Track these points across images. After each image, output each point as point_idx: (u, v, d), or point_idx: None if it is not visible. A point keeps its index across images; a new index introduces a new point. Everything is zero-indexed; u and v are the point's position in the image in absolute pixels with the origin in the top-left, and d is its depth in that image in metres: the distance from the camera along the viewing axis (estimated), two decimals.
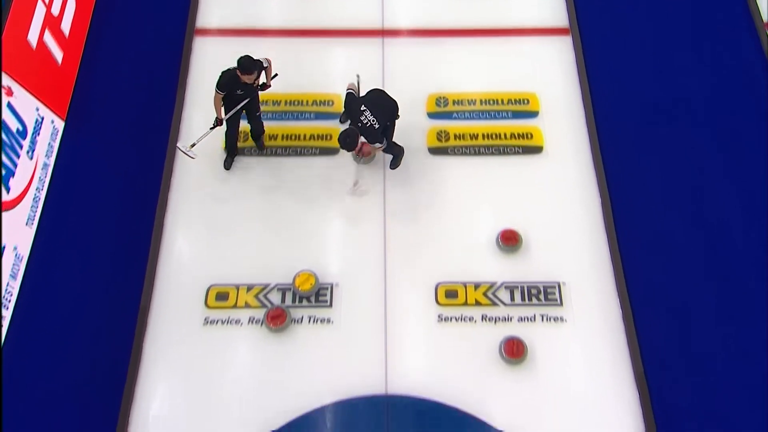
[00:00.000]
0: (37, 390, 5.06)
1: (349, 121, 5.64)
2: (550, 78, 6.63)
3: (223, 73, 5.45)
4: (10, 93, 5.26)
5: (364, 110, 5.49)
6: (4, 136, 5.05)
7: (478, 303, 5.48)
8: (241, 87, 5.47)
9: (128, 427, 4.97)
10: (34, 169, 5.42)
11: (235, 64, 5.38)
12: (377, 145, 5.69)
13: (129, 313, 5.39)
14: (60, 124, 5.94)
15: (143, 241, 5.70)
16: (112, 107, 6.39)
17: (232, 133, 5.87)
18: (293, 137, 6.31)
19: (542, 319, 5.40)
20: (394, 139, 5.90)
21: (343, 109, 5.85)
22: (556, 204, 5.95)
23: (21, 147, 5.28)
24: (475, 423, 4.98)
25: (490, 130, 6.34)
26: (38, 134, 5.52)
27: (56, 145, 5.85)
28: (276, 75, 5.85)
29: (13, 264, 5.02)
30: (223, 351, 5.32)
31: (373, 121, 5.47)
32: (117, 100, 6.42)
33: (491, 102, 6.49)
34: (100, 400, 5.06)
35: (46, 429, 4.96)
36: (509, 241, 5.66)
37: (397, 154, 5.99)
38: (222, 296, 5.52)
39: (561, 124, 6.36)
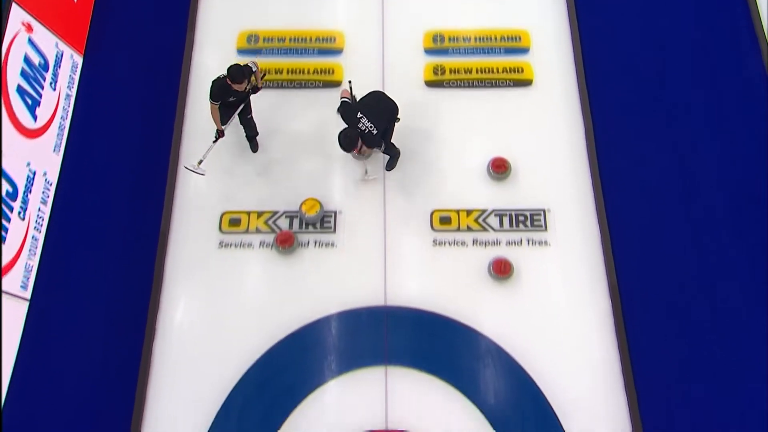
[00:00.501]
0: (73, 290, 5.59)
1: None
2: (541, 15, 6.90)
3: (213, 82, 5.50)
4: (30, 29, 5.56)
5: (360, 117, 5.50)
6: (27, 68, 5.37)
7: (469, 228, 5.97)
8: (233, 94, 5.56)
9: (155, 336, 5.55)
10: (57, 100, 5.77)
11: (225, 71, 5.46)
12: (375, 149, 5.75)
13: (150, 238, 5.88)
14: (78, 59, 6.26)
15: (161, 169, 6.13)
16: (127, 42, 6.68)
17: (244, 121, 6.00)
18: (298, 71, 6.63)
19: (528, 243, 5.90)
20: (393, 141, 5.94)
21: (340, 116, 5.75)
22: (544, 134, 6.35)
23: (44, 79, 5.62)
24: (466, 331, 5.54)
25: (484, 65, 6.67)
26: (59, 67, 5.84)
27: (76, 77, 6.17)
28: (265, 74, 5.92)
29: (44, 189, 5.46)
30: (238, 271, 5.84)
31: (371, 127, 5.48)
32: (131, 35, 6.70)
33: (485, 39, 6.79)
34: (129, 310, 5.61)
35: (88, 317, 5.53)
36: (499, 168, 6.09)
37: (394, 155, 5.99)
38: (235, 221, 6.01)
39: (550, 59, 6.68)
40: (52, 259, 5.49)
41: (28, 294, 5.16)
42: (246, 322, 5.62)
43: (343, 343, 5.57)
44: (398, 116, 5.77)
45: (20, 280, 5.07)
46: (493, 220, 5.99)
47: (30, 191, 5.28)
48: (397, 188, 6.06)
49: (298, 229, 5.98)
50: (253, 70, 5.63)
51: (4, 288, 4.88)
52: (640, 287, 5.69)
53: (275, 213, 6.04)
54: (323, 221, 6.01)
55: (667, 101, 6.40)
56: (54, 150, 5.67)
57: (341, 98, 5.68)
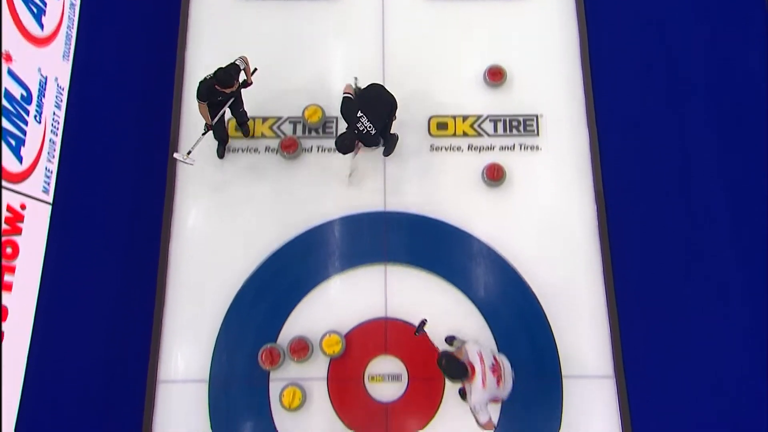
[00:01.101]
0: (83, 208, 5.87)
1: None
2: None
3: (200, 83, 5.38)
4: None
5: (360, 116, 5.34)
6: None
7: (465, 134, 6.21)
8: (221, 94, 5.43)
9: (170, 237, 5.91)
10: (62, 8, 5.82)
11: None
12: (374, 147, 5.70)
13: (162, 141, 6.11)
14: None
15: (169, 74, 6.31)
16: None
17: (219, 127, 5.86)
18: None
19: (520, 148, 6.15)
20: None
21: (340, 113, 5.54)
22: (539, 43, 6.46)
23: None
24: (459, 233, 5.90)
25: None
26: None
27: None
28: (255, 70, 5.68)
29: (57, 94, 5.64)
30: (244, 175, 6.10)
31: (370, 127, 5.34)
32: None
33: None
34: (146, 212, 5.94)
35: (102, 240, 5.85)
36: (495, 77, 6.24)
37: (391, 143, 6.02)
38: None
39: None
40: (71, 162, 5.72)
41: (50, 198, 5.45)
42: (254, 225, 5.94)
43: (346, 243, 5.91)
44: (395, 114, 5.63)
45: (41, 185, 5.35)
46: (488, 126, 6.21)
47: (44, 95, 5.46)
48: (396, 95, 6.12)
49: (301, 134, 6.20)
50: (242, 67, 5.43)
51: (26, 191, 5.16)
52: (624, 193, 5.98)
53: (279, 119, 6.24)
54: (325, 127, 6.22)
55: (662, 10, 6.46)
56: (63, 57, 5.79)
57: (344, 93, 5.48)
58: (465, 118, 6.24)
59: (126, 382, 5.52)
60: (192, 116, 6.11)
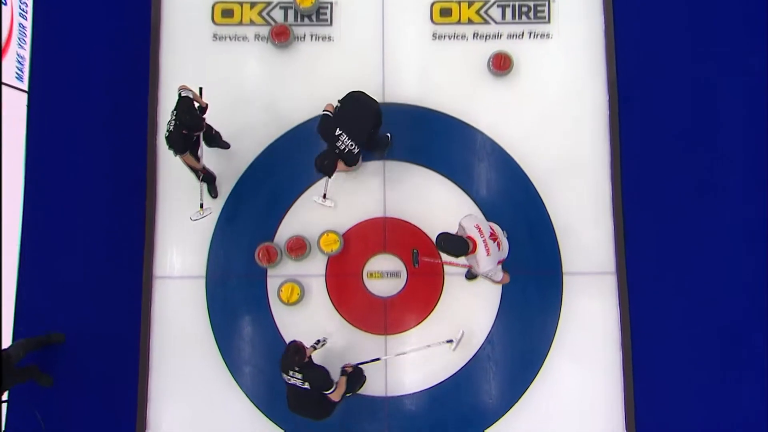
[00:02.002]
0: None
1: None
2: None
3: (168, 139, 4.81)
4: None
5: (339, 134, 4.87)
6: None
7: (470, 21, 5.77)
8: (192, 135, 4.94)
9: (157, 134, 5.63)
10: None
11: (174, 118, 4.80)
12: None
13: (143, 29, 5.69)
14: None
15: None
16: None
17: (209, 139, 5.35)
18: None
19: (530, 36, 5.75)
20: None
21: (317, 132, 5.04)
22: None
23: None
24: (462, 127, 5.64)
25: None
26: None
27: None
28: (201, 90, 5.13)
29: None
30: (233, 65, 5.74)
31: (352, 146, 4.88)
32: None
33: None
34: (128, 105, 5.63)
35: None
36: None
37: (382, 146, 5.57)
38: (227, 13, 5.78)
39: None
40: (43, 48, 5.35)
41: (25, 85, 5.12)
42: (245, 119, 5.66)
43: None
44: (381, 121, 5.09)
45: (14, 71, 5.00)
46: (496, 12, 5.76)
47: None
48: None
49: (293, 21, 5.77)
50: (191, 96, 4.88)
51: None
52: (639, 84, 5.64)
53: (269, 4, 5.78)
54: (319, 13, 5.79)
55: None
56: None
57: (323, 112, 4.98)
58: (471, 3, 5.78)
59: (122, 277, 5.49)
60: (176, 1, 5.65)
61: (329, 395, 4.63)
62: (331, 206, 5.48)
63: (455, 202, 5.56)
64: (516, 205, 5.58)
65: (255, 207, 5.59)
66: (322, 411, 4.76)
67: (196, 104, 4.92)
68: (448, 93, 5.69)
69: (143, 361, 5.40)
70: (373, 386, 5.37)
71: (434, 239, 4.47)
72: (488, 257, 4.45)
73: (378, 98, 5.59)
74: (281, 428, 5.37)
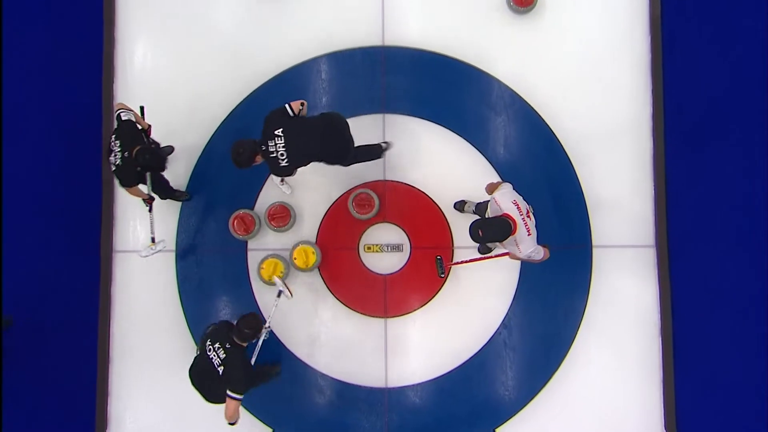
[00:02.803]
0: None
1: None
2: None
3: (118, 171, 4.14)
4: None
5: (278, 135, 4.01)
6: None
7: None
8: (139, 162, 4.16)
9: (114, 78, 4.91)
10: None
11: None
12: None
13: None
14: None
15: None
16: None
17: (160, 187, 4.59)
18: None
19: None
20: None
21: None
22: None
23: None
24: (475, 74, 4.88)
25: None
26: None
27: None
28: (143, 109, 4.46)
29: None
30: (210, 5, 4.98)
31: (282, 156, 4.04)
32: None
33: None
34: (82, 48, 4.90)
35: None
36: None
37: (371, 158, 4.73)
38: None
39: None
40: None
41: None
42: (222, 66, 4.97)
43: (334, 88, 4.95)
44: (349, 152, 4.29)
45: None
46: None
47: None
48: None
49: None
50: (132, 119, 4.20)
51: None
52: (686, 23, 4.78)
53: None
54: None
55: None
56: None
57: (287, 105, 4.10)
58: None
59: (77, 252, 4.83)
60: None
61: (229, 395, 3.89)
62: (288, 192, 4.80)
63: (467, 164, 4.87)
64: (539, 166, 4.89)
65: (230, 171, 4.67)
66: (218, 398, 4.00)
67: (137, 124, 4.27)
68: (459, 34, 4.97)
69: (102, 348, 4.82)
70: (371, 376, 4.79)
71: (468, 230, 3.79)
72: (530, 237, 3.82)
73: (376, 41, 4.88)
74: (263, 423, 4.75)
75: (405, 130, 4.89)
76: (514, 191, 3.90)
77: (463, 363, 4.79)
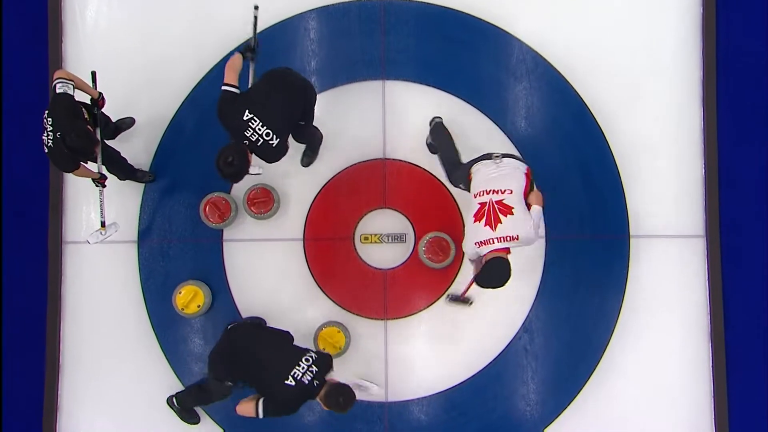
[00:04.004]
0: None
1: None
2: None
3: (51, 154, 3.55)
4: None
5: (249, 119, 3.46)
6: None
7: None
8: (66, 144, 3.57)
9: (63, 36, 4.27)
10: None
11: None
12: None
13: None
14: None
15: None
16: None
17: (115, 163, 4.04)
18: None
19: None
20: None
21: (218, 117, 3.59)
22: None
23: None
24: (491, 32, 4.31)
25: None
26: None
27: None
28: (94, 74, 3.84)
29: None
30: None
31: (268, 135, 3.49)
32: None
33: None
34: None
35: None
36: None
37: (314, 144, 4.22)
38: None
39: None
40: None
41: None
42: (191, 23, 4.36)
43: (325, 49, 4.36)
44: (314, 98, 3.80)
45: None
46: None
47: None
48: None
49: None
50: (69, 92, 3.57)
51: None
52: None
53: None
54: None
55: None
56: None
57: (225, 86, 3.51)
58: None
59: (21, 244, 4.22)
60: None
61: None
62: (260, 173, 4.10)
63: (481, 138, 4.26)
64: (567, 142, 4.31)
65: (201, 148, 4.25)
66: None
67: (88, 97, 3.75)
68: None
69: (51, 355, 4.20)
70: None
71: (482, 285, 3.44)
72: (513, 224, 3.38)
73: None
74: None
75: (409, 100, 4.33)
76: (472, 238, 3.44)
77: (477, 373, 4.22)
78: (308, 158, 4.29)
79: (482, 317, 4.19)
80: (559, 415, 4.19)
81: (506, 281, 3.37)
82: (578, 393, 4.19)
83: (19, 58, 4.32)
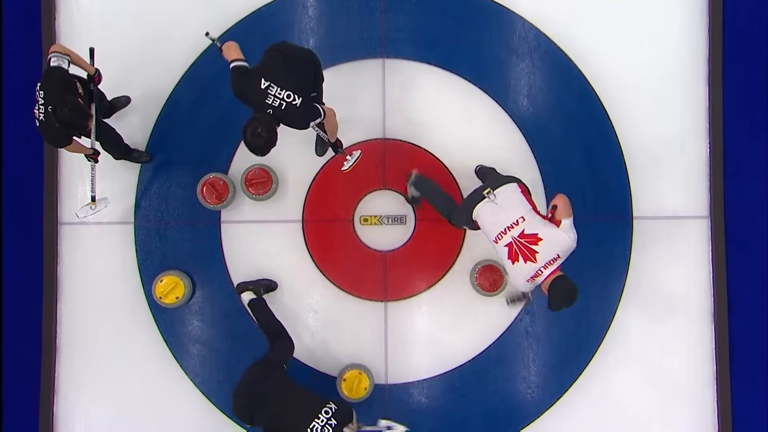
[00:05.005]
0: None
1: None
2: None
3: (42, 129, 3.46)
4: None
5: (269, 88, 3.40)
6: None
7: None
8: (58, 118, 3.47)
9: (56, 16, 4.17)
10: None
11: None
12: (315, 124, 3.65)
13: None
14: None
15: None
16: None
17: (109, 140, 3.94)
18: None
19: None
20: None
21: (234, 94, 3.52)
22: None
23: None
24: (493, 9, 4.23)
25: None
26: None
27: None
28: (92, 51, 3.77)
29: None
30: None
31: (289, 96, 3.43)
32: None
33: None
34: None
35: None
36: None
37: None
38: None
39: None
40: None
41: None
42: (184, 6, 4.24)
43: (323, 28, 4.28)
44: (320, 69, 3.70)
45: None
46: None
47: None
48: None
49: None
50: (64, 66, 3.48)
51: None
52: None
53: None
54: None
55: None
56: None
57: (234, 62, 3.47)
58: None
59: (17, 225, 4.15)
60: None
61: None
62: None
63: (482, 118, 4.24)
64: (570, 122, 4.24)
65: (198, 127, 4.20)
66: None
67: (84, 73, 3.67)
68: None
69: (47, 337, 4.15)
70: (370, 370, 4.13)
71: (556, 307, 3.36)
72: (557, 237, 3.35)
73: None
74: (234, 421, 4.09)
75: (409, 79, 4.25)
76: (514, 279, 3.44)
77: (478, 355, 4.19)
78: (322, 147, 4.21)
79: (483, 299, 4.13)
80: (560, 398, 4.14)
81: (575, 297, 3.31)
82: (579, 376, 4.14)
83: (14, 36, 4.20)
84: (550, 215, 3.47)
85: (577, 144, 4.20)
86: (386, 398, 4.14)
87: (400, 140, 4.22)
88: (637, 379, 4.15)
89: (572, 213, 3.42)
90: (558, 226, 3.39)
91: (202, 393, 4.14)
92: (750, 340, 4.15)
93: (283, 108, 3.45)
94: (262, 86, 3.43)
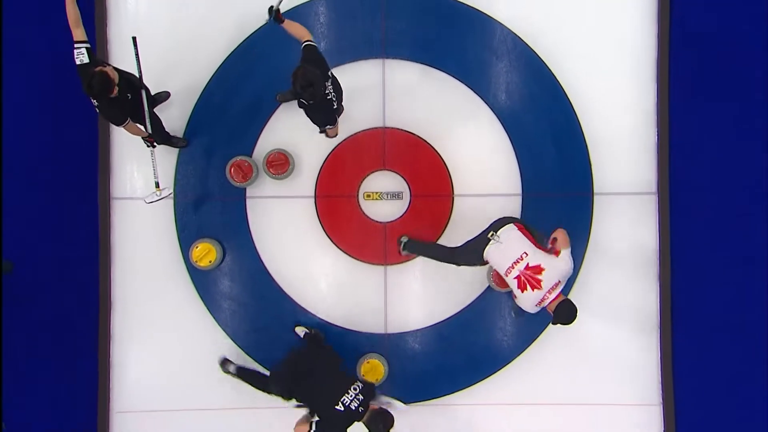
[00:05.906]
0: None
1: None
2: None
3: (99, 106, 3.84)
4: None
5: (331, 77, 3.89)
6: None
7: None
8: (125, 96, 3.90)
9: (108, 19, 4.71)
10: None
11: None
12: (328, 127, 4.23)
13: None
14: None
15: None
16: None
17: (156, 128, 4.32)
18: None
19: None
20: None
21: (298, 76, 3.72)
22: None
23: None
24: (477, 17, 4.71)
25: None
26: None
27: None
28: (135, 39, 4.09)
29: None
30: None
31: (334, 97, 3.92)
32: None
33: None
34: None
35: None
36: None
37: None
38: None
39: None
40: None
41: None
42: (219, 6, 4.72)
43: (332, 31, 4.76)
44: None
45: None
46: None
47: None
48: None
49: None
50: (85, 61, 3.80)
51: None
52: None
53: None
54: None
55: None
56: None
57: (306, 42, 3.85)
58: None
59: (75, 199, 4.72)
60: None
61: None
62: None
63: (467, 109, 4.74)
64: (541, 112, 4.76)
65: (229, 117, 4.74)
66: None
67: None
68: None
69: (103, 293, 4.73)
70: (371, 322, 4.77)
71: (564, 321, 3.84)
72: (556, 268, 3.83)
73: None
74: (263, 367, 4.71)
75: (405, 76, 4.74)
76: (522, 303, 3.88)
77: (462, 309, 4.76)
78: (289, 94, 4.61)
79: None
80: (529, 346, 4.74)
81: (575, 318, 3.80)
82: (546, 327, 4.70)
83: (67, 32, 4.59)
84: (550, 246, 3.94)
85: (546, 131, 4.72)
86: (386, 345, 4.76)
87: (398, 128, 4.74)
88: (595, 330, 4.70)
89: (570, 244, 3.88)
90: (557, 256, 3.83)
91: (232, 340, 4.74)
92: (689, 297, 4.69)
93: (328, 97, 3.90)
94: (329, 74, 3.91)
